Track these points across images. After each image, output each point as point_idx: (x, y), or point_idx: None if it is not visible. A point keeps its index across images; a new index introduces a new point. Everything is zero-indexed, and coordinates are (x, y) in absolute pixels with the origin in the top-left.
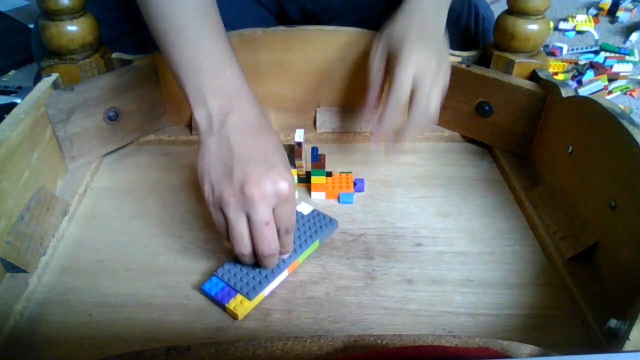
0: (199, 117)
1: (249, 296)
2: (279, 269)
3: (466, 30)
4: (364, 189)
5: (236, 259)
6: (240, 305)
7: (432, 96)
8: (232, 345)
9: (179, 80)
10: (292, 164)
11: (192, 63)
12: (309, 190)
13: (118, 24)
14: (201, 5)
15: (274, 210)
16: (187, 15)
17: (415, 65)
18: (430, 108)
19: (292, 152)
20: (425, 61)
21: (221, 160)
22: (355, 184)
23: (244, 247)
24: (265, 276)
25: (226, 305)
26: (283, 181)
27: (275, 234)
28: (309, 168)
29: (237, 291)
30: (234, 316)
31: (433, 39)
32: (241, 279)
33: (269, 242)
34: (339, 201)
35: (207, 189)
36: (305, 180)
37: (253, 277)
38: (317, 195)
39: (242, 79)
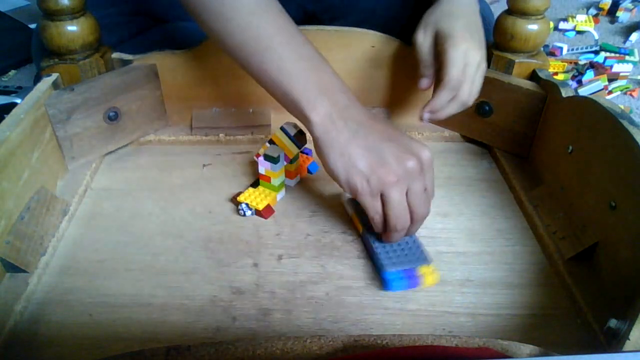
0: (318, 116)
1: (427, 261)
2: (413, 237)
3: None
4: (312, 153)
5: (375, 250)
6: (429, 273)
7: (475, 85)
8: (232, 345)
9: (280, 86)
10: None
11: (294, 68)
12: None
13: (118, 30)
14: (278, 13)
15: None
16: (270, 23)
17: (464, 50)
18: (472, 95)
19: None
20: (472, 50)
21: (365, 150)
22: (306, 153)
23: (406, 220)
24: (413, 245)
25: (420, 281)
26: (426, 150)
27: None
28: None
29: (413, 267)
30: (433, 283)
31: (478, 30)
32: (402, 258)
33: (428, 205)
34: (311, 172)
35: (359, 182)
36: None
37: (405, 253)
38: (295, 181)
39: (336, 73)
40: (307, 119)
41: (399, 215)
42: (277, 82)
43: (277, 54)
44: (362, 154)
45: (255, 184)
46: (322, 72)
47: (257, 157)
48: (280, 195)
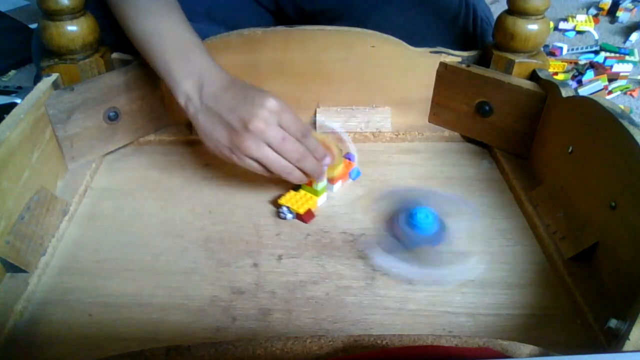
0: (182, 102)
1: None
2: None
3: (464, 30)
4: (354, 158)
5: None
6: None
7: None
8: (232, 345)
9: (160, 71)
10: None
11: (168, 57)
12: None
13: (116, 30)
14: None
15: (281, 126)
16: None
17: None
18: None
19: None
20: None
21: (218, 124)
22: (349, 158)
23: (285, 167)
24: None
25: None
26: (268, 100)
27: (296, 142)
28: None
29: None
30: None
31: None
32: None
33: (293, 151)
34: (352, 178)
35: (227, 153)
36: None
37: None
38: (337, 186)
39: (206, 55)
40: (178, 102)
41: (275, 166)
42: (157, 68)
43: (158, 46)
44: (218, 128)
45: (296, 187)
46: (187, 56)
47: None
48: (322, 200)
